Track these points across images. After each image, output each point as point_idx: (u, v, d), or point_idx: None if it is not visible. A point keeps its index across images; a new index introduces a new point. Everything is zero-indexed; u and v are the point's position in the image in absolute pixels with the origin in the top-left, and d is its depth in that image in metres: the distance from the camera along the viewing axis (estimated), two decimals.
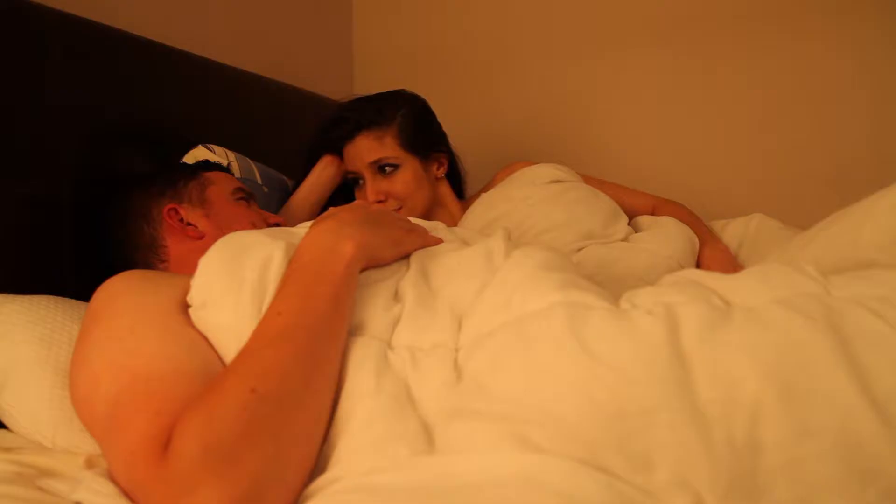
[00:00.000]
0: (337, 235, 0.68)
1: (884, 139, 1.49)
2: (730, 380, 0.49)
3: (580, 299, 0.59)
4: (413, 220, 0.86)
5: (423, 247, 0.79)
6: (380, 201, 1.25)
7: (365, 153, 1.25)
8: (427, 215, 1.32)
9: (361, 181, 1.28)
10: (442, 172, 1.35)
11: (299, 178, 1.33)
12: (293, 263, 0.66)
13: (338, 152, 1.30)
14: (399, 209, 1.27)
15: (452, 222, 1.35)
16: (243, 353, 0.56)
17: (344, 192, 1.35)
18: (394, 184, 1.26)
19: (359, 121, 1.26)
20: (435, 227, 0.88)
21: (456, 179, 1.43)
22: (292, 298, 0.61)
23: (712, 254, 1.25)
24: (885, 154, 1.48)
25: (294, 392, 0.53)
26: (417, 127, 1.29)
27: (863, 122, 1.51)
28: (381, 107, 1.28)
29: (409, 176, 1.26)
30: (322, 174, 1.30)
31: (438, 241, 0.81)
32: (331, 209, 0.78)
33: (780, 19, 1.58)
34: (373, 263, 0.72)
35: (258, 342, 0.57)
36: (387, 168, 1.25)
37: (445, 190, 1.38)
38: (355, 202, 0.85)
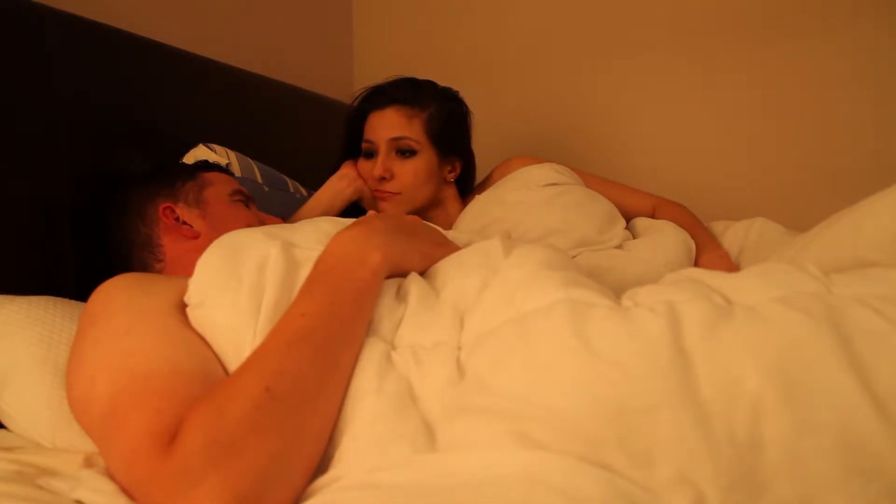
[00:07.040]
0: (367, 243, 0.68)
1: (885, 140, 1.49)
2: (731, 377, 0.49)
3: (582, 297, 0.59)
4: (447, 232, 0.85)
5: None
6: (383, 178, 1.23)
7: (390, 127, 1.24)
8: (424, 213, 1.31)
9: (375, 154, 1.26)
10: (452, 177, 1.34)
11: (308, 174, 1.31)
12: (320, 265, 0.65)
13: (363, 119, 1.28)
14: (398, 194, 1.25)
15: (448, 223, 1.34)
16: (261, 351, 0.56)
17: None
18: (405, 168, 1.24)
19: (395, 95, 1.26)
20: None
21: (464, 185, 1.41)
22: (317, 301, 0.60)
23: (711, 259, 1.22)
24: (887, 154, 1.48)
25: (308, 394, 0.53)
26: (448, 123, 1.28)
27: (865, 123, 1.51)
28: (422, 91, 1.28)
29: (422, 166, 1.25)
30: (341, 194, 1.26)
31: None
32: (370, 213, 0.78)
33: (782, 21, 1.59)
34: (399, 273, 0.72)
35: (278, 341, 0.57)
36: (405, 152, 1.24)
37: (450, 192, 1.36)
38: (389, 213, 0.85)
